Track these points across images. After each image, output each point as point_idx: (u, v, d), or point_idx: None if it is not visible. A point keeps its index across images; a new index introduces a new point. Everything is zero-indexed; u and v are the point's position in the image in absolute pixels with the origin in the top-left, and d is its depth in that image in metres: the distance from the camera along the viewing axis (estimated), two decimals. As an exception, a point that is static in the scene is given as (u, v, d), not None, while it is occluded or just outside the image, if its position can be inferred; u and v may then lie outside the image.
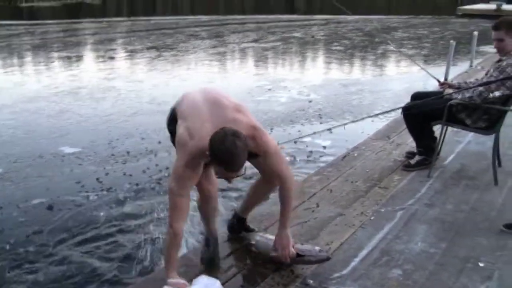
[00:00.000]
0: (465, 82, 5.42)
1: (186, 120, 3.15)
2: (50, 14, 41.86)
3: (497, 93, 4.77)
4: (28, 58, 17.16)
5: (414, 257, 3.59)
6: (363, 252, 3.66)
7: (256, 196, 3.76)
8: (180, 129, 3.15)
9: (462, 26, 25.54)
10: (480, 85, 4.89)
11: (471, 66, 12.02)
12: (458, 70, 11.74)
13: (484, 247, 3.71)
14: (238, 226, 3.86)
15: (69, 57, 16.60)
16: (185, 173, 3.03)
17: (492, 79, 4.81)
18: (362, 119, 6.12)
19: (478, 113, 4.94)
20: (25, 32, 25.08)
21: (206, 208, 3.65)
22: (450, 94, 5.18)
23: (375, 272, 3.39)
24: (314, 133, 6.84)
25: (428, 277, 3.35)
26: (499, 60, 5.00)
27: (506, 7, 29.46)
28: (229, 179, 3.02)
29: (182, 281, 3.04)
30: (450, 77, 9.54)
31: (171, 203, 3.11)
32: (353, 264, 3.54)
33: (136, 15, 37.65)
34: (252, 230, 3.84)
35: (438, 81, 5.58)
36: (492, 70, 4.97)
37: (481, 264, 3.50)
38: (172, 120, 3.38)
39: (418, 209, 4.37)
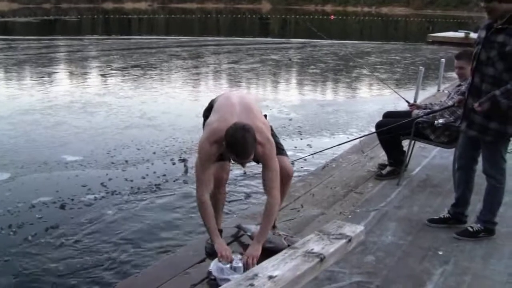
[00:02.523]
0: (431, 104, 6.20)
1: (219, 112, 3.84)
2: (30, 30, 42.12)
3: (441, 120, 5.56)
4: (16, 73, 17.61)
5: (385, 247, 4.26)
6: (342, 242, 4.34)
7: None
8: (212, 116, 3.87)
9: (432, 53, 26.54)
10: (442, 108, 5.68)
11: (438, 90, 12.79)
12: (426, 94, 12.56)
13: (443, 239, 4.40)
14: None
15: (56, 73, 17.15)
16: (207, 146, 3.68)
17: (452, 101, 5.59)
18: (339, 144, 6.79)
19: (441, 129, 5.70)
20: (7, 47, 25.44)
21: (217, 194, 4.13)
22: (417, 113, 5.97)
23: (352, 257, 4.00)
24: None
25: (396, 262, 4.02)
26: (459, 85, 5.80)
27: (474, 35, 30.65)
28: (242, 165, 3.72)
29: (226, 246, 3.75)
30: (419, 100, 10.29)
31: (196, 176, 3.78)
32: (333, 251, 4.23)
33: (113, 34, 38.11)
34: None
35: (408, 102, 6.36)
36: (453, 93, 5.77)
37: (440, 253, 4.19)
38: (209, 110, 4.07)
39: (388, 210, 5.06)
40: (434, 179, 6.07)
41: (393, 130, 5.87)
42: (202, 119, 4.05)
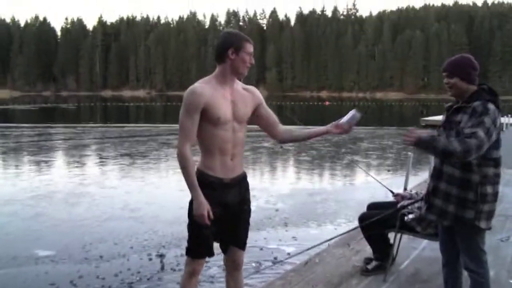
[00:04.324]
0: (416, 193, 5.92)
1: None
2: (26, 118, 42.58)
3: (410, 216, 5.32)
4: (3, 161, 17.50)
5: None
6: None
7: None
8: None
9: (425, 138, 26.48)
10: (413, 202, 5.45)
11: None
12: (418, 180, 12.32)
13: None
14: None
15: (44, 162, 16.96)
16: (194, 89, 3.59)
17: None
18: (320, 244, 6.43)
19: (427, 220, 5.41)
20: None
21: (189, 284, 3.86)
22: (402, 204, 5.68)
23: None
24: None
25: None
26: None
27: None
28: (250, 60, 3.66)
29: (206, 204, 3.58)
30: (409, 186, 10.02)
31: (180, 126, 3.62)
32: None
33: (109, 121, 38.45)
34: None
35: (392, 192, 6.08)
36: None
37: None
38: None
39: (372, 310, 4.73)
40: (424, 273, 5.72)
41: (377, 224, 5.58)
42: (186, 211, 3.79)
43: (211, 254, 3.83)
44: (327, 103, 77.47)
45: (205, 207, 3.57)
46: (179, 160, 3.62)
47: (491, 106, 3.79)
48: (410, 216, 5.27)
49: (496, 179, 3.91)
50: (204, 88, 3.59)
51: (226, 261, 4.02)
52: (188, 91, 3.60)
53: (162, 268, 7.00)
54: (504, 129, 27.57)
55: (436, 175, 4.08)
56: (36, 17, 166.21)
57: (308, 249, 6.03)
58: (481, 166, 3.83)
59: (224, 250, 3.97)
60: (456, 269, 4.32)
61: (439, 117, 34.85)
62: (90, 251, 7.68)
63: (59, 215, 9.76)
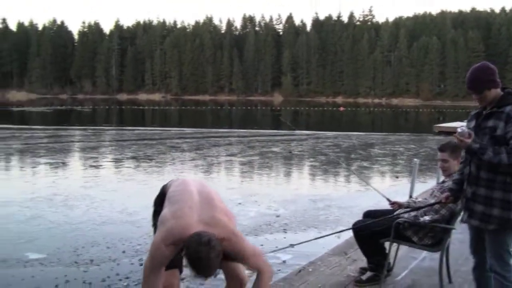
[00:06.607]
0: (414, 202, 5.67)
1: (175, 204, 3.45)
2: (40, 120, 42.70)
3: (427, 218, 5.08)
4: (9, 162, 17.46)
5: None
6: None
7: None
8: (166, 210, 3.46)
9: (437, 143, 25.98)
10: (425, 206, 5.19)
11: (437, 183, 12.28)
12: (425, 187, 12.00)
13: None
14: None
15: (49, 163, 16.79)
16: (162, 249, 3.28)
17: (436, 199, 5.09)
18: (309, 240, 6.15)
19: (424, 230, 5.17)
20: (10, 136, 25.56)
21: None
22: (399, 213, 5.44)
23: None
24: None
25: None
26: (443, 182, 5.33)
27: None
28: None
29: None
30: (415, 194, 9.74)
31: (144, 279, 3.37)
32: None
33: (122, 124, 38.45)
34: None
35: (389, 200, 5.83)
36: (436, 191, 5.29)
37: None
38: (160, 197, 3.77)
39: (364, 323, 4.49)
40: (421, 285, 5.51)
41: (371, 232, 5.34)
42: None
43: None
44: (341, 108, 77.14)
45: None
46: None
47: None
48: (427, 218, 5.09)
49: None
50: (174, 251, 3.41)
51: None
52: (156, 247, 3.39)
53: (152, 273, 6.76)
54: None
55: (473, 181, 4.08)
56: (54, 21, 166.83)
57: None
58: None
59: None
60: (487, 270, 4.27)
61: (453, 124, 34.57)
62: (81, 254, 7.50)
63: (56, 217, 9.57)
